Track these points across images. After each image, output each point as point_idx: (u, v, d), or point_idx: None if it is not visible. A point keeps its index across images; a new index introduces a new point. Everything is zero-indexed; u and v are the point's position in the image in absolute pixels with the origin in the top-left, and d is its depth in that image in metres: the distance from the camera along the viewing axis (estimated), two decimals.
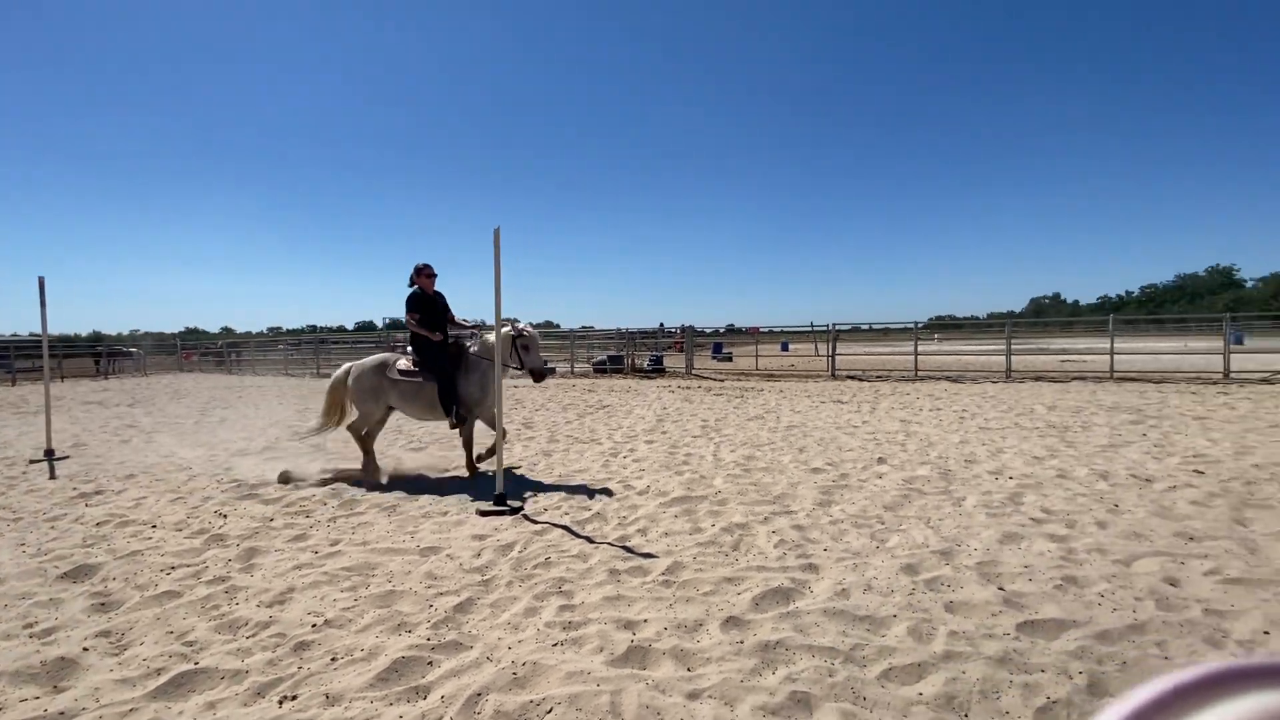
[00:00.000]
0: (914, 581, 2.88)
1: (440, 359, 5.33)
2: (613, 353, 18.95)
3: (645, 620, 2.56)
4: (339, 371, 5.76)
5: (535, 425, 8.25)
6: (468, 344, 5.57)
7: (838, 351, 15.82)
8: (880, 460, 5.56)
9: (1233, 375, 11.83)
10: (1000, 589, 2.77)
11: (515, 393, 12.75)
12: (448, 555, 3.43)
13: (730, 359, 23.94)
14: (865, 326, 24.69)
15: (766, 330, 26.82)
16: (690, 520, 3.93)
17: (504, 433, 4.97)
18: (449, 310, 5.66)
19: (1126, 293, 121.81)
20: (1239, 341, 30.64)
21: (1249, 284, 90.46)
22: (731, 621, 2.53)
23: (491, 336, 5.14)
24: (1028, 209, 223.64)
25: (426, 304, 5.45)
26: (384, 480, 5.24)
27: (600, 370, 18.04)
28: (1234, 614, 2.48)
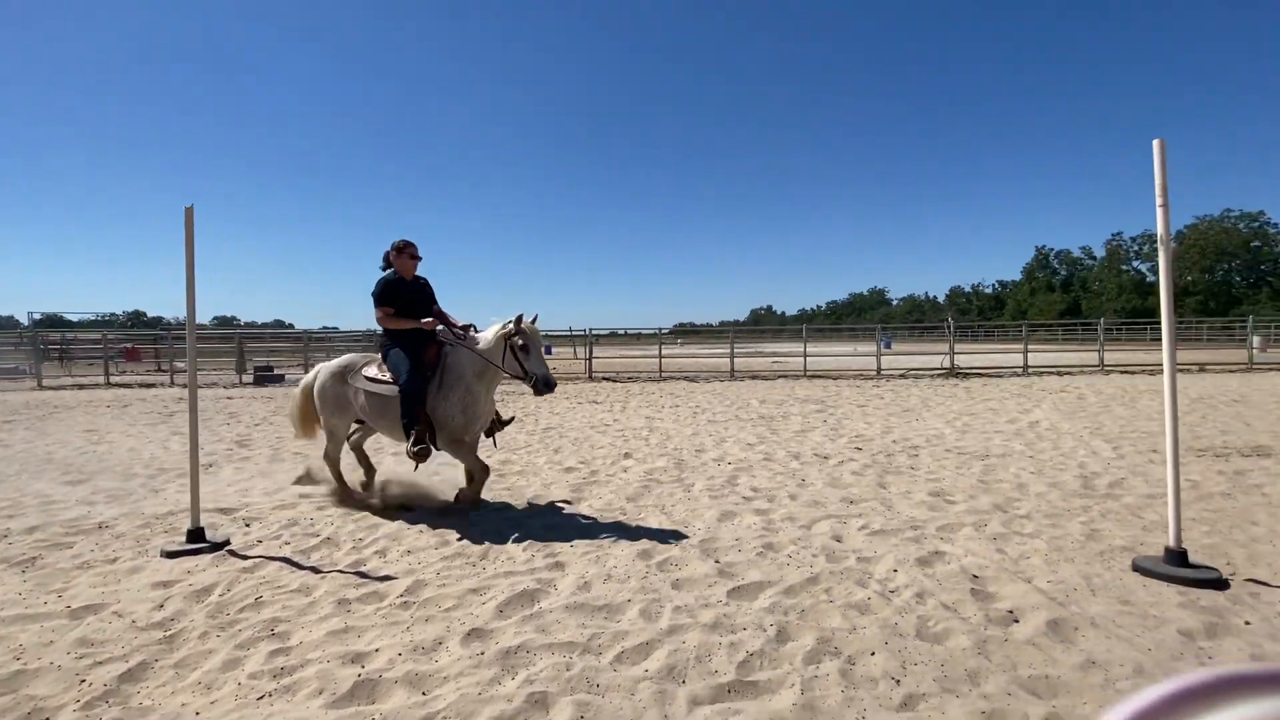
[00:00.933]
0: (648, 565, 3.14)
1: (412, 360, 4.09)
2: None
3: (377, 650, 2.35)
4: (308, 375, 4.77)
5: (253, 442, 7.06)
6: (448, 348, 4.33)
7: (595, 355, 16.61)
8: (626, 455, 5.96)
9: (883, 372, 15.35)
10: (716, 561, 3.16)
11: (229, 404, 10.77)
12: (114, 613, 2.72)
13: None
14: (621, 331, 26.27)
15: None
16: (437, 534, 3.74)
17: (485, 469, 4.26)
18: (435, 302, 4.50)
19: (817, 306, 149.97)
20: (888, 346, 39.73)
21: (894, 302, 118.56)
22: (473, 634, 2.46)
23: (489, 335, 4.19)
24: (749, 228, 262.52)
25: (404, 293, 4.30)
26: (374, 502, 4.43)
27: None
28: (875, 559, 3.18)
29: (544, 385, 4.01)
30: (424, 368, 4.12)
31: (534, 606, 2.70)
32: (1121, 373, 14.78)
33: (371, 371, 4.36)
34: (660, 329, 18.60)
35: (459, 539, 3.64)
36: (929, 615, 2.53)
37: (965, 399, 10.19)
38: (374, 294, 4.24)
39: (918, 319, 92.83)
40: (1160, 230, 2.84)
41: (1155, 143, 2.81)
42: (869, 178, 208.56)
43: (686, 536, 3.57)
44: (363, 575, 3.10)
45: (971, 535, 3.50)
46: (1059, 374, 14.74)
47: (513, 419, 4.82)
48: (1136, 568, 2.94)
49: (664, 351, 16.55)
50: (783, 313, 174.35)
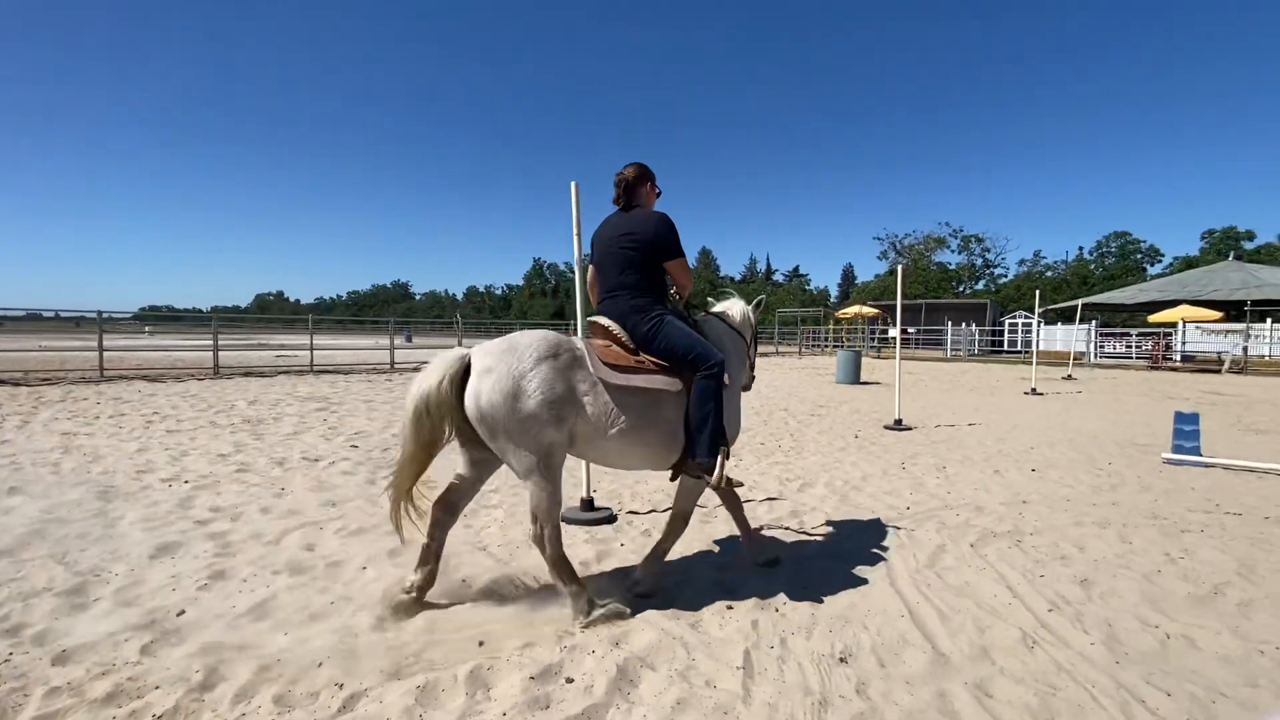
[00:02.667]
0: (12, 643, 2.23)
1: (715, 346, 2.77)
2: None
3: None
4: (431, 374, 2.42)
5: None
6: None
7: None
8: (12, 491, 4.18)
9: (397, 366, 15.35)
10: (143, 611, 2.49)
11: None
12: None
13: None
14: (48, 314, 18.32)
15: None
16: None
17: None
18: None
19: (338, 295, 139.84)
20: (409, 340, 40.04)
21: (418, 297, 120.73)
22: None
23: (734, 309, 3.16)
24: (254, 208, 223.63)
25: None
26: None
27: None
28: (348, 560, 3.08)
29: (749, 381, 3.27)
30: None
31: None
32: None
33: (615, 356, 2.64)
34: (100, 313, 13.74)
35: None
36: (394, 607, 2.58)
37: None
38: (675, 235, 2.81)
39: (439, 314, 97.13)
40: (575, 255, 3.66)
41: (573, 185, 3.58)
42: (398, 177, 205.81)
43: (95, 587, 2.70)
44: None
45: None
46: None
47: None
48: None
49: (116, 344, 12.42)
50: (297, 300, 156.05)
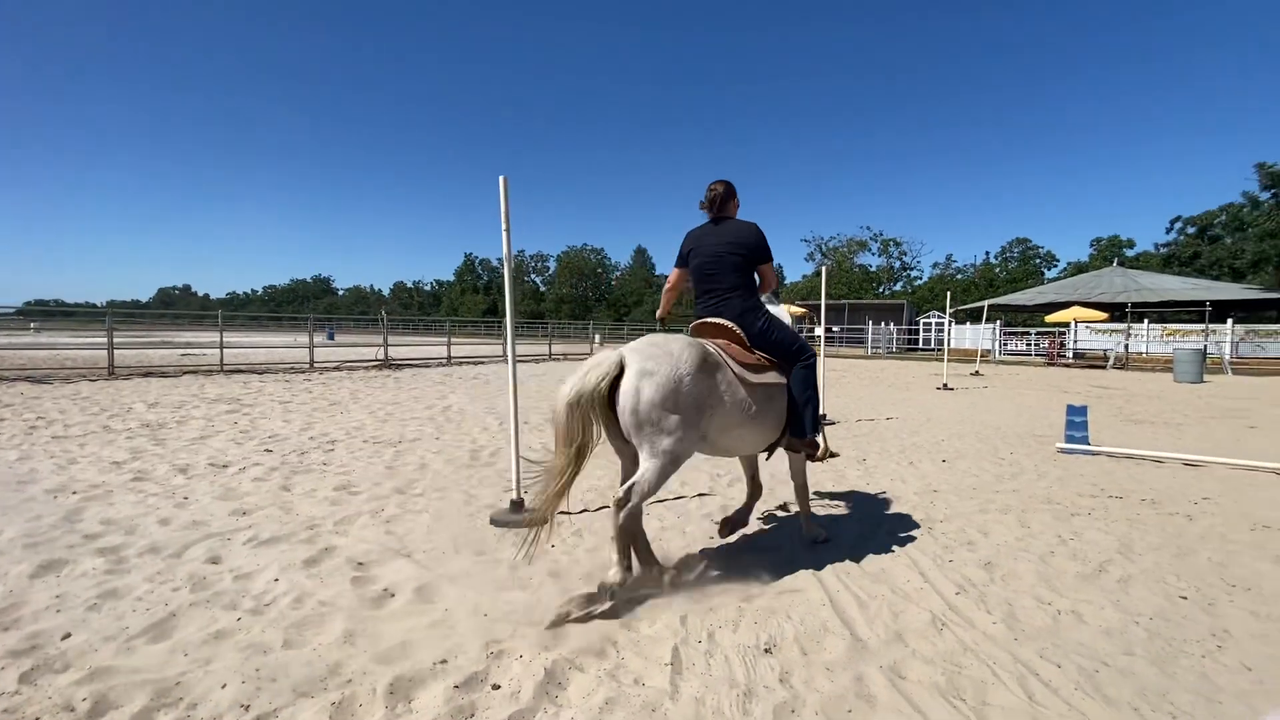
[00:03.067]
0: None
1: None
2: None
3: None
4: (591, 376, 2.62)
5: None
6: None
7: None
8: None
9: (316, 365, 14.60)
10: (20, 633, 2.25)
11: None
12: None
13: None
14: None
15: None
16: None
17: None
18: None
19: (252, 290, 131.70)
20: (331, 338, 38.25)
21: (341, 292, 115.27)
22: None
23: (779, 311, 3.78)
24: (157, 196, 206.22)
25: None
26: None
27: None
28: (257, 572, 2.90)
29: None
30: None
31: None
32: (520, 362, 18.47)
33: (744, 357, 2.96)
34: None
35: None
36: (304, 619, 2.45)
37: (394, 389, 10.71)
38: (767, 242, 3.17)
39: (363, 310, 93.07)
40: (504, 250, 3.58)
41: (501, 179, 3.50)
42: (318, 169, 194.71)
43: None
44: None
45: (367, 523, 3.62)
46: (475, 363, 17.29)
47: None
48: (493, 521, 3.64)
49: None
50: (206, 295, 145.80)
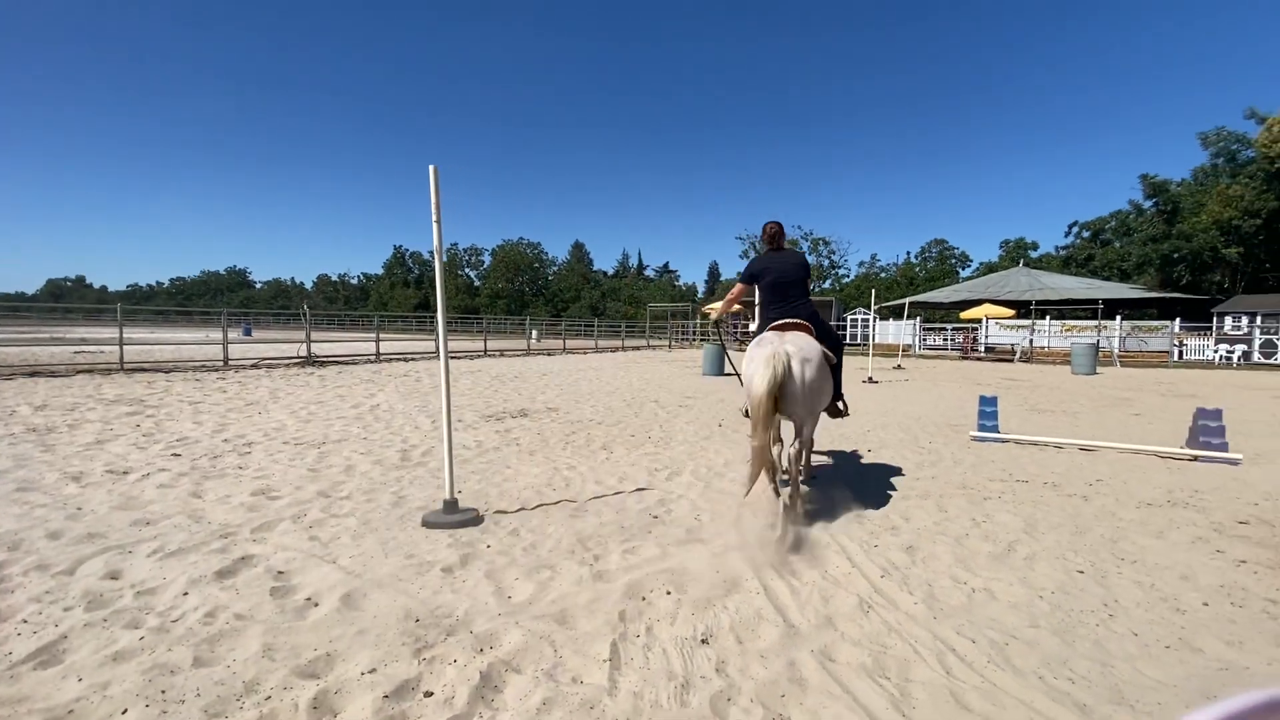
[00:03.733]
0: None
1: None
2: None
3: None
4: (778, 367, 3.47)
5: None
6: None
7: None
8: None
9: (231, 362, 13.70)
10: None
11: None
12: None
13: None
14: None
15: None
16: None
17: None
18: None
19: (158, 283, 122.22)
20: (248, 334, 36.04)
21: (258, 285, 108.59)
22: None
23: None
24: (47, 179, 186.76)
25: None
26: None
27: None
28: (163, 587, 2.69)
29: None
30: None
31: None
32: (453, 358, 17.97)
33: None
34: None
35: None
36: (218, 634, 2.29)
37: (318, 387, 10.19)
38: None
39: (284, 304, 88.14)
40: (435, 243, 3.46)
41: (431, 169, 3.38)
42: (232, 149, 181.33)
43: None
44: None
45: (288, 529, 3.43)
46: (406, 360, 16.69)
47: None
48: (425, 523, 3.52)
49: None
50: (103, 287, 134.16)
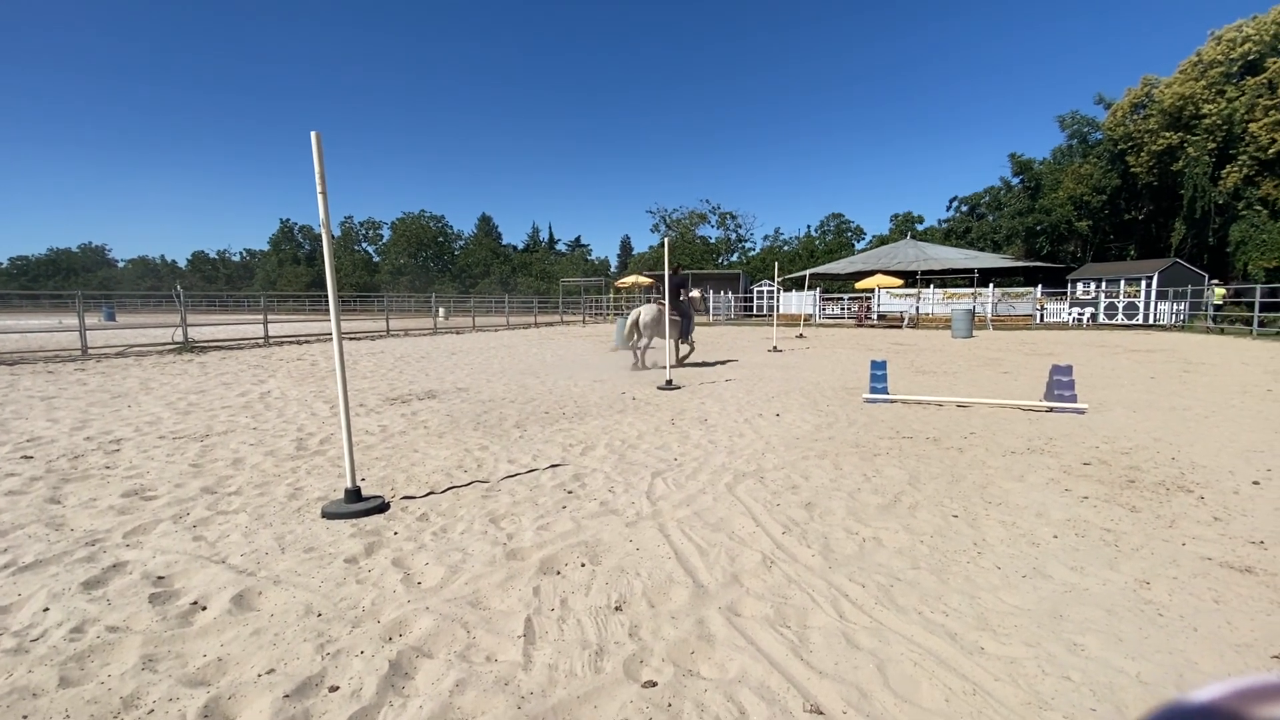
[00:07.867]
0: None
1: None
2: None
3: None
4: (640, 316, 10.24)
5: None
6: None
7: None
8: None
9: (91, 351, 12.25)
10: None
11: None
12: None
13: None
14: None
15: None
16: None
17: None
18: (682, 286, 10.67)
19: None
20: (110, 318, 32.36)
21: (121, 264, 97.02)
22: None
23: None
24: None
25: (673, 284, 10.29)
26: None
27: None
28: (19, 604, 2.41)
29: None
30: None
31: None
32: (351, 339, 16.97)
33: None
34: None
35: None
36: (88, 650, 2.09)
37: (198, 375, 9.34)
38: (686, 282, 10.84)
39: (153, 285, 79.52)
40: (321, 215, 3.23)
41: (313, 135, 3.14)
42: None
43: None
44: None
45: (168, 530, 3.16)
46: (299, 343, 15.60)
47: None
48: (325, 514, 3.35)
49: None
50: None
